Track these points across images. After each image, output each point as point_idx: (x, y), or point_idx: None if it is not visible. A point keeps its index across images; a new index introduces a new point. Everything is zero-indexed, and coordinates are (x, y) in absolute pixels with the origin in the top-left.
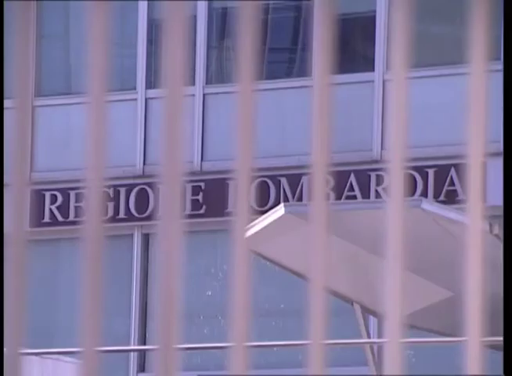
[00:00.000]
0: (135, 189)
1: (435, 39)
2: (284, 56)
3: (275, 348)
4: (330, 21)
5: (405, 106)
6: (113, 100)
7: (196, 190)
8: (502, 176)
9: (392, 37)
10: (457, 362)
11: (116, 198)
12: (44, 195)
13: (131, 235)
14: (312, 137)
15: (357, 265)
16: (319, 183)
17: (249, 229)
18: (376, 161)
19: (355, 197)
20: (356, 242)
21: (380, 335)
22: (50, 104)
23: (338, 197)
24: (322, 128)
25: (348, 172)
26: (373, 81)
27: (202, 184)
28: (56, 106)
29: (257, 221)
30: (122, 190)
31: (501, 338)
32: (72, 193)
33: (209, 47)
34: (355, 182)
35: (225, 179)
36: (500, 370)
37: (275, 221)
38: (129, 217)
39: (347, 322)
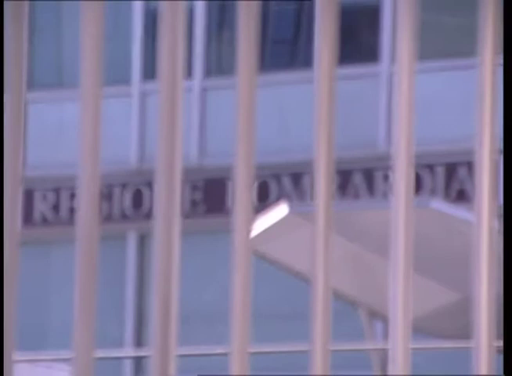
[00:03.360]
0: (131, 188)
1: (444, 29)
2: (286, 47)
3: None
4: (334, 12)
5: (411, 99)
6: (108, 95)
7: (195, 189)
8: (502, 175)
9: (398, 28)
10: (465, 364)
11: (111, 197)
12: (34, 194)
13: (127, 235)
14: (315, 133)
15: (363, 267)
16: (323, 181)
17: (251, 229)
18: (382, 158)
19: (360, 196)
20: (362, 242)
21: (385, 336)
22: (42, 98)
23: (343, 196)
24: (325, 123)
25: (354, 170)
26: (379, 74)
27: (201, 183)
28: (48, 101)
29: (260, 221)
30: (117, 189)
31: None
32: (65, 192)
33: (208, 39)
34: (360, 180)
35: (224, 178)
36: (500, 370)
37: (278, 221)
38: (125, 216)
39: (352, 321)
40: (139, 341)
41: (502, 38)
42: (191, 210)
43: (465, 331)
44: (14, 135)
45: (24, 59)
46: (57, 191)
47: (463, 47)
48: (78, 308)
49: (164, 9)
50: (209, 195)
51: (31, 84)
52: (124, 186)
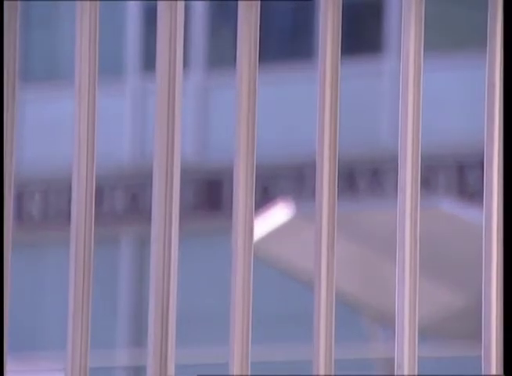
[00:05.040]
0: (127, 188)
1: (453, 22)
2: (287, 40)
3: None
4: (337, 4)
5: (419, 95)
6: (102, 92)
7: (193, 188)
8: (503, 175)
9: (404, 20)
10: (472, 365)
11: (106, 197)
12: (27, 194)
13: (122, 237)
14: (318, 130)
15: (368, 269)
16: (326, 181)
17: (252, 230)
18: (389, 157)
19: (365, 196)
20: (367, 244)
21: (390, 340)
22: (34, 94)
23: (347, 197)
24: (328, 120)
25: (360, 169)
26: (383, 70)
27: (200, 182)
28: (41, 97)
29: (262, 223)
30: (113, 188)
31: None
32: (57, 193)
33: (208, 31)
34: (366, 180)
35: (224, 178)
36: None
37: (281, 224)
38: (121, 218)
39: (356, 326)
40: (136, 343)
41: (503, 35)
42: (190, 211)
43: (474, 334)
44: (9, 133)
45: (17, 55)
46: (51, 192)
47: (474, 41)
48: (72, 314)
49: (162, 4)
50: (209, 196)
51: (24, 80)
52: (120, 186)
